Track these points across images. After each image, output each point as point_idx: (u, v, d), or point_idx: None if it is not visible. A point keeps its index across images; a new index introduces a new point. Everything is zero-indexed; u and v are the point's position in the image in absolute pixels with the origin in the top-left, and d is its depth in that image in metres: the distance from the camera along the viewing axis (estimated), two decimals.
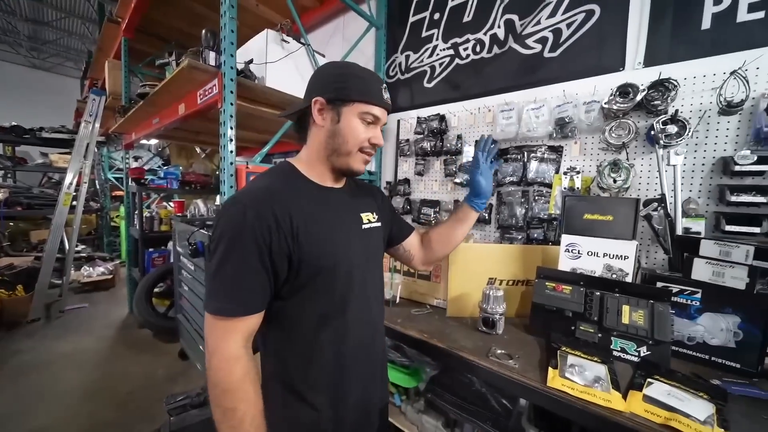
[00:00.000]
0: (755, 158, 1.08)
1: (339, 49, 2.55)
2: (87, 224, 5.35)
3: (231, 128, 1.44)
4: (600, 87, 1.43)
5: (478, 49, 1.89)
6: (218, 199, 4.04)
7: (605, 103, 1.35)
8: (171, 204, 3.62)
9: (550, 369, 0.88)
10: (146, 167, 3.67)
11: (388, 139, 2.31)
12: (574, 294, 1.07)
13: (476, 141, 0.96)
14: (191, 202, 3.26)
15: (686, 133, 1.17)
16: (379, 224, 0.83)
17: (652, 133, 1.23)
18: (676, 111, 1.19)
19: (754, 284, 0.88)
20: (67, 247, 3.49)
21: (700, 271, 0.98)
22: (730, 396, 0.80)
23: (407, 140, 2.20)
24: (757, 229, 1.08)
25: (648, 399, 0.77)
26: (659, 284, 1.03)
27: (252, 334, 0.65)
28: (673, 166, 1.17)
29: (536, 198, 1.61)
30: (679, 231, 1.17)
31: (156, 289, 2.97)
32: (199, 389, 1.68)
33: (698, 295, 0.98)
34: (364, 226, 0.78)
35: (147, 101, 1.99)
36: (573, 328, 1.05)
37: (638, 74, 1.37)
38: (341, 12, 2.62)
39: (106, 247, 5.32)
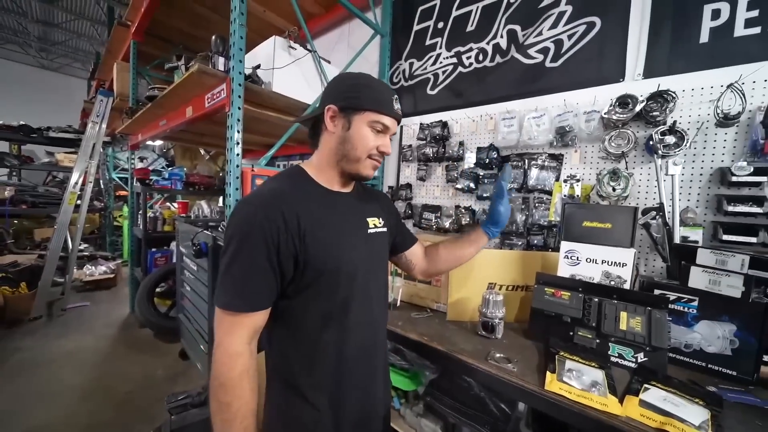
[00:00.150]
0: (752, 169, 1.10)
1: (344, 55, 2.60)
2: (90, 223, 5.39)
3: (238, 132, 1.47)
4: (600, 97, 1.46)
5: (480, 57, 1.93)
6: (221, 201, 4.07)
7: (605, 113, 1.38)
8: (174, 205, 3.65)
9: (548, 373, 0.89)
10: (151, 168, 3.70)
11: (391, 145, 2.34)
12: (572, 300, 1.08)
13: (501, 170, 0.99)
14: (194, 203, 3.29)
15: (684, 144, 1.20)
16: (384, 230, 0.85)
17: (651, 143, 1.26)
18: (675, 122, 1.22)
19: (750, 293, 0.90)
20: (70, 245, 3.52)
21: (697, 279, 0.99)
22: (725, 403, 0.81)
23: (410, 146, 2.23)
24: (753, 239, 1.09)
25: (644, 404, 0.78)
26: (657, 292, 1.05)
27: (257, 332, 0.67)
28: (671, 175, 1.19)
29: (536, 205, 1.63)
30: (677, 240, 1.18)
31: (158, 289, 2.99)
32: (200, 389, 1.69)
33: (695, 303, 0.99)
34: (369, 231, 0.80)
35: (155, 103, 2.03)
36: (571, 333, 1.06)
37: (638, 85, 1.40)
38: (347, 19, 2.67)
39: (109, 247, 5.35)
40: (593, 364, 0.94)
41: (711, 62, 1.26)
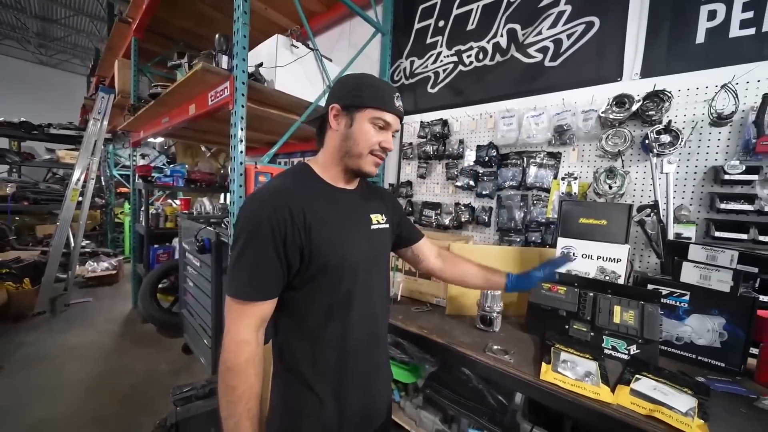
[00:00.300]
0: (743, 168, 1.13)
1: (345, 53, 2.61)
2: (91, 220, 5.40)
3: (241, 129, 1.49)
4: (598, 96, 1.49)
5: (480, 56, 1.95)
6: (222, 198, 4.09)
7: (602, 112, 1.40)
8: (176, 201, 3.67)
9: (543, 364, 0.92)
10: (152, 165, 3.72)
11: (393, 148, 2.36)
12: (568, 294, 1.12)
13: (564, 258, 0.97)
14: (196, 200, 3.32)
15: (679, 143, 1.23)
16: (387, 226, 0.88)
17: (647, 142, 1.29)
18: (670, 121, 1.25)
19: (738, 287, 0.93)
20: (72, 242, 3.55)
21: (689, 274, 1.03)
22: (712, 392, 0.84)
23: (410, 144, 2.25)
24: (744, 236, 1.13)
25: (635, 393, 0.82)
26: (650, 286, 1.08)
27: (264, 321, 0.70)
28: (666, 174, 1.22)
29: (535, 202, 1.66)
30: (670, 236, 1.22)
31: (160, 285, 3.02)
32: (204, 381, 1.73)
33: (686, 297, 1.03)
34: (373, 227, 0.82)
35: (158, 101, 2.05)
36: (567, 326, 1.10)
37: (635, 85, 1.42)
38: (347, 17, 2.68)
39: (110, 243, 5.38)
40: (587, 356, 0.97)
41: (706, 62, 1.28)
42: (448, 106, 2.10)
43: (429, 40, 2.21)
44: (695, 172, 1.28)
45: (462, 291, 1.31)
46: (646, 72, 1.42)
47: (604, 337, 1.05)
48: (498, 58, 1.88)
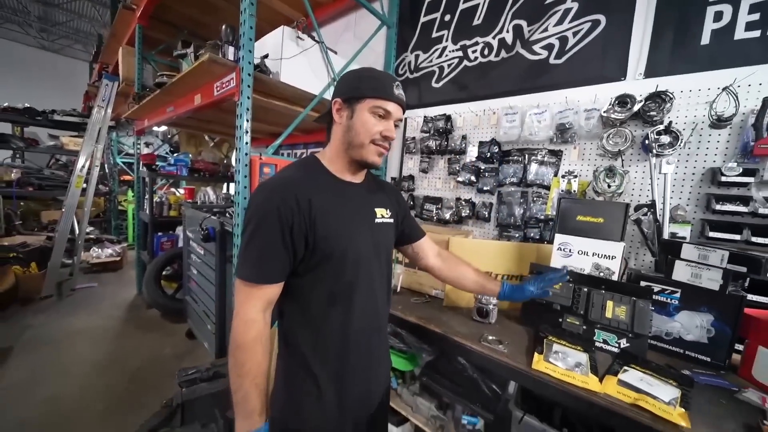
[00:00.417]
0: (741, 170, 1.15)
1: (350, 45, 2.61)
2: (95, 207, 5.45)
3: (247, 121, 1.51)
4: (601, 95, 1.50)
5: (486, 52, 1.95)
6: (225, 187, 4.12)
7: (604, 112, 1.42)
8: (180, 190, 3.70)
9: (535, 354, 0.97)
10: (155, 153, 3.75)
11: (396, 134, 2.38)
12: (563, 289, 1.15)
13: (560, 274, 1.05)
14: (200, 190, 3.35)
15: (678, 144, 1.24)
16: (391, 221, 0.90)
17: (647, 142, 1.31)
18: (670, 122, 1.26)
19: (727, 286, 0.96)
20: (77, 228, 3.60)
21: (681, 272, 1.06)
22: (696, 384, 0.88)
23: (413, 138, 2.27)
24: (737, 236, 1.15)
25: (622, 383, 0.86)
26: (643, 283, 1.11)
27: (271, 303, 0.74)
28: (665, 174, 1.24)
29: (534, 199, 1.68)
30: (666, 235, 1.24)
31: (164, 272, 3.08)
32: (208, 365, 1.79)
33: (677, 295, 1.06)
34: (377, 221, 0.85)
35: (164, 90, 2.06)
36: (560, 320, 1.14)
37: (638, 85, 1.43)
38: (353, 9, 2.66)
39: (114, 231, 5.43)
40: (579, 348, 1.01)
41: (710, 64, 1.28)
42: (451, 102, 2.11)
43: (435, 34, 2.20)
44: (693, 173, 1.30)
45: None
46: (650, 72, 1.42)
47: (595, 330, 1.09)
48: (503, 54, 1.88)
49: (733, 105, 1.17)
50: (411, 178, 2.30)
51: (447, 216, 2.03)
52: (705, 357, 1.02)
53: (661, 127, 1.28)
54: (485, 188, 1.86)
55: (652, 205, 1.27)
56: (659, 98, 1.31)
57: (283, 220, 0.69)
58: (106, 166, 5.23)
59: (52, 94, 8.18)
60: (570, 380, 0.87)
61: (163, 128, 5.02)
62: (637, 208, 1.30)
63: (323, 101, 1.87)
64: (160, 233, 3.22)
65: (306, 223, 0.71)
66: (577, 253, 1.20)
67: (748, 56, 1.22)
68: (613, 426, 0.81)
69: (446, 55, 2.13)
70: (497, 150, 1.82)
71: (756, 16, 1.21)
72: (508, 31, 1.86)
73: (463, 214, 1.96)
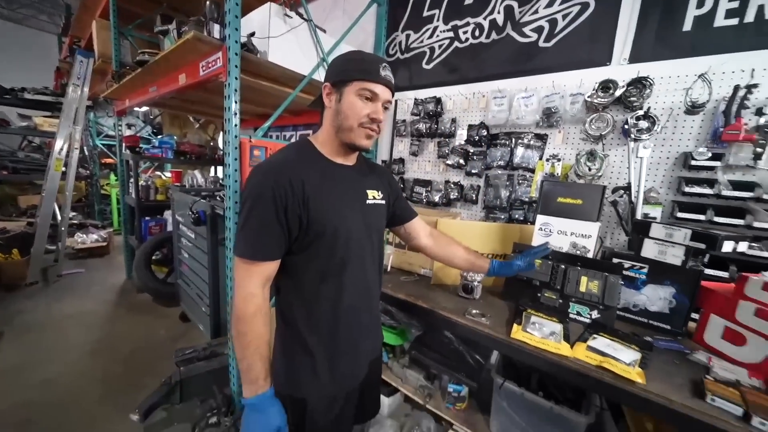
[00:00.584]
0: (710, 155, 1.23)
1: (339, 23, 2.53)
2: (76, 191, 5.26)
3: (235, 102, 1.48)
4: (586, 80, 1.53)
5: (477, 33, 1.94)
6: (213, 170, 4.05)
7: (588, 97, 1.46)
8: (167, 174, 3.61)
9: (514, 325, 1.05)
10: (138, 135, 3.61)
11: (385, 119, 2.38)
12: (542, 266, 1.23)
13: (543, 248, 1.11)
14: (187, 173, 3.28)
15: (655, 129, 1.31)
16: (383, 202, 0.94)
17: (626, 127, 1.36)
18: (648, 108, 1.31)
19: (688, 261, 1.05)
20: (58, 213, 3.50)
21: (649, 249, 1.15)
22: (655, 348, 0.99)
23: (404, 121, 2.27)
24: (702, 216, 1.24)
25: (590, 348, 0.95)
26: (615, 260, 1.20)
27: (269, 279, 0.78)
28: (641, 158, 1.30)
29: (520, 182, 1.74)
30: (638, 216, 1.33)
31: (153, 257, 3.06)
32: (205, 344, 1.84)
33: (645, 270, 1.16)
34: (368, 202, 0.89)
35: (145, 69, 1.98)
36: (539, 294, 1.22)
37: (622, 70, 1.47)
38: None
39: (98, 215, 5.29)
40: (554, 319, 1.10)
41: (690, 51, 1.33)
42: (442, 84, 2.11)
43: (426, 13, 2.16)
44: (668, 157, 1.37)
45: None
46: (635, 57, 1.46)
47: (570, 303, 1.18)
48: (494, 35, 1.88)
49: (707, 92, 1.23)
50: (401, 161, 2.32)
51: (436, 198, 2.08)
52: (666, 325, 1.13)
53: (641, 112, 1.34)
54: (473, 171, 1.91)
55: (627, 188, 1.34)
56: (640, 84, 1.35)
57: (278, 201, 0.72)
58: (85, 148, 5.01)
59: (17, 68, 7.61)
60: (544, 347, 0.96)
61: (144, 109, 4.81)
62: (614, 190, 1.37)
63: (312, 82, 1.84)
64: (147, 218, 3.17)
65: (299, 204, 0.74)
66: (557, 233, 1.27)
67: (724, 44, 1.26)
68: (581, 385, 0.91)
69: (437, 36, 2.11)
70: (485, 133, 1.85)
71: (735, 4, 1.25)
72: (499, 12, 1.85)
73: (451, 197, 2.01)
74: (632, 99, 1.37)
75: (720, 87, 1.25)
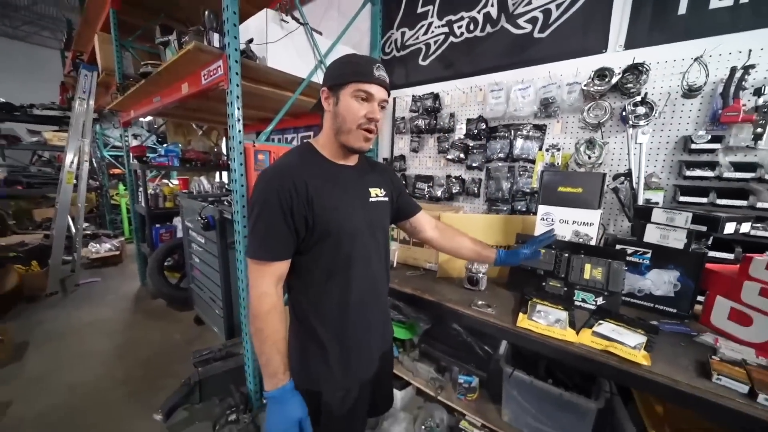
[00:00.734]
0: (709, 137, 1.23)
1: (335, 23, 2.55)
2: (87, 202, 5.40)
3: (238, 109, 1.52)
4: (582, 69, 1.53)
5: (471, 27, 1.95)
6: (218, 176, 4.11)
7: (585, 85, 1.46)
8: (174, 181, 3.68)
9: (520, 314, 1.07)
10: (145, 145, 3.69)
11: (384, 118, 2.40)
12: (546, 255, 1.25)
13: (548, 234, 1.15)
14: (193, 179, 3.35)
15: (653, 114, 1.31)
16: (386, 199, 0.97)
17: (624, 113, 1.37)
18: (646, 94, 1.32)
19: (690, 244, 1.06)
20: (72, 225, 3.60)
21: (651, 234, 1.16)
22: (661, 332, 1.00)
23: (403, 118, 2.29)
24: (704, 200, 1.25)
25: (596, 334, 0.97)
26: (618, 246, 1.21)
27: (281, 278, 0.82)
28: (640, 144, 1.31)
29: (521, 173, 1.75)
30: (641, 202, 1.33)
31: (165, 263, 3.14)
32: (220, 345, 1.90)
33: (648, 255, 1.17)
34: (371, 199, 0.92)
35: (149, 80, 2.03)
36: (543, 283, 1.24)
37: (619, 57, 1.47)
38: None
39: (109, 225, 5.42)
40: (559, 307, 1.12)
41: (685, 34, 1.32)
42: (439, 79, 2.12)
43: (420, 10, 2.17)
44: (667, 142, 1.37)
45: (451, 256, 1.44)
46: (630, 43, 1.45)
47: (575, 291, 1.19)
48: (488, 29, 1.88)
49: (704, 75, 1.23)
50: (402, 158, 2.34)
51: (438, 193, 2.10)
52: (672, 309, 1.14)
53: (638, 98, 1.34)
54: (474, 164, 1.92)
55: (628, 174, 1.35)
56: (636, 70, 1.36)
57: (283, 204, 0.76)
58: (93, 160, 5.12)
59: (23, 85, 7.80)
60: (550, 334, 0.98)
61: (148, 118, 4.89)
62: (615, 177, 1.38)
63: (311, 84, 1.87)
64: (158, 225, 3.25)
65: (304, 205, 0.78)
66: (559, 222, 1.28)
67: (720, 26, 1.25)
68: (587, 370, 0.93)
69: (432, 32, 2.12)
70: (484, 126, 1.86)
71: None
72: (492, 5, 1.85)
73: (453, 191, 2.03)
74: (629, 86, 1.37)
75: (717, 69, 1.24)
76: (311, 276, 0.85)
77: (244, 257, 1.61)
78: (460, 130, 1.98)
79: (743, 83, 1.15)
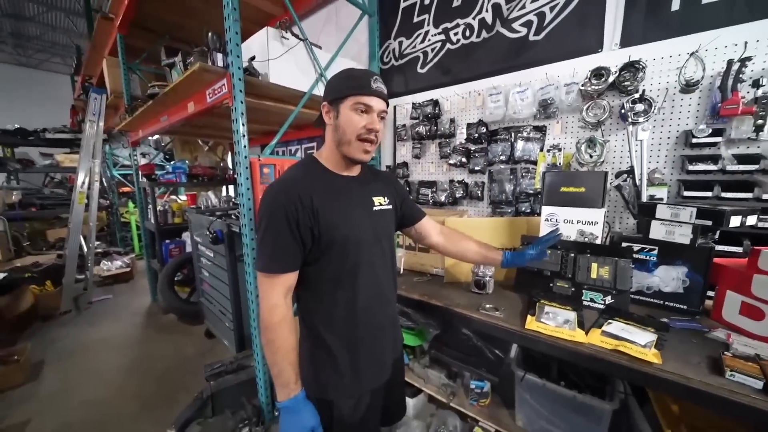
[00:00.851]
0: (710, 131, 1.23)
1: (333, 38, 2.62)
2: (98, 221, 5.53)
3: (243, 125, 1.57)
4: (579, 69, 1.55)
5: (467, 33, 1.98)
6: (225, 190, 4.19)
7: (582, 85, 1.48)
8: (182, 197, 3.75)
9: (528, 316, 1.07)
10: (153, 163, 3.79)
11: (385, 127, 2.43)
12: (552, 256, 1.25)
13: (553, 234, 1.12)
14: (201, 195, 3.41)
15: (652, 111, 1.31)
16: (390, 207, 0.98)
17: (623, 111, 1.37)
18: (643, 91, 1.32)
19: (696, 239, 1.06)
20: (83, 244, 3.68)
21: (657, 231, 1.15)
22: (672, 329, 0.99)
23: (404, 125, 2.32)
24: (709, 193, 1.24)
25: (605, 333, 0.97)
26: (624, 244, 1.21)
27: (290, 289, 0.84)
28: (641, 141, 1.31)
29: (523, 174, 1.76)
30: (644, 198, 1.33)
31: (175, 278, 3.18)
32: (231, 358, 1.91)
33: (655, 252, 1.16)
34: (375, 208, 0.94)
35: (156, 100, 2.10)
36: (551, 285, 1.24)
37: (615, 55, 1.48)
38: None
39: (120, 242, 5.52)
40: (568, 308, 1.12)
41: (680, 30, 1.33)
42: (438, 86, 2.15)
43: (416, 19, 2.22)
44: (668, 137, 1.37)
45: (458, 261, 1.45)
46: (626, 41, 1.47)
47: (583, 291, 1.19)
48: (484, 34, 1.91)
49: (701, 69, 1.23)
50: (405, 164, 2.37)
51: (442, 198, 2.11)
52: (682, 305, 1.13)
53: (636, 95, 1.35)
54: (476, 168, 1.93)
55: (631, 171, 1.35)
56: (633, 68, 1.37)
57: (290, 217, 0.78)
58: (104, 179, 5.26)
59: (37, 110, 8.10)
60: (559, 335, 0.98)
61: (156, 137, 5.02)
62: (618, 174, 1.38)
63: (313, 97, 1.92)
64: (167, 241, 3.31)
65: (309, 217, 0.80)
66: (563, 222, 1.29)
67: (714, 20, 1.26)
68: (598, 370, 0.93)
69: (429, 40, 2.16)
70: (485, 130, 1.88)
71: None
72: (487, 11, 1.89)
73: (457, 195, 2.04)
74: (626, 83, 1.38)
75: (714, 63, 1.25)
76: (319, 286, 0.87)
77: (253, 270, 1.64)
78: (461, 135, 2.00)
79: (741, 76, 1.16)
